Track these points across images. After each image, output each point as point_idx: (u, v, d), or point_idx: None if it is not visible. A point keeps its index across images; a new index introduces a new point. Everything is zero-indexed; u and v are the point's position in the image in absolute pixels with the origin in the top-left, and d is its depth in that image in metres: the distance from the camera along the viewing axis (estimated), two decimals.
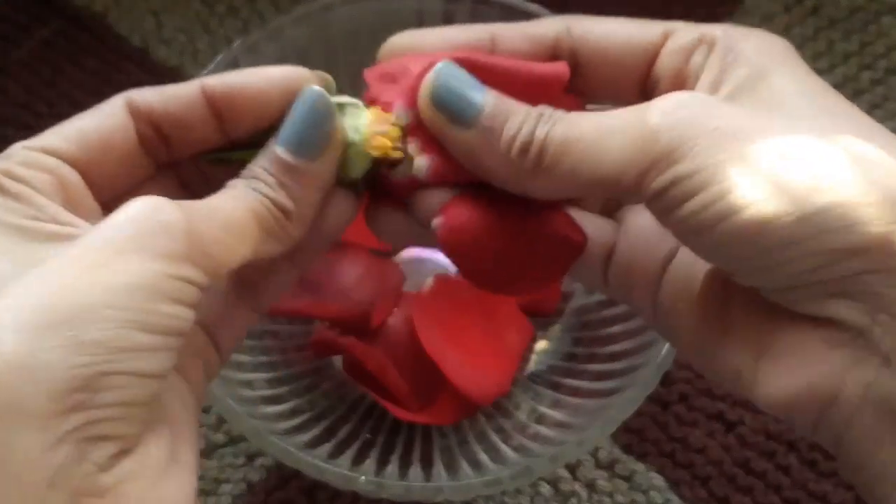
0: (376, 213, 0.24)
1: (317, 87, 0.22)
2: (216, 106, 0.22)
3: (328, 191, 0.23)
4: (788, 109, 0.20)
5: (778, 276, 0.19)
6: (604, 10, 0.58)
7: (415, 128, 0.22)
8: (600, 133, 0.20)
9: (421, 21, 0.40)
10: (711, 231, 0.19)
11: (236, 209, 0.20)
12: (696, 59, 0.22)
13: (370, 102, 0.24)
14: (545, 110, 0.21)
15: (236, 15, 0.51)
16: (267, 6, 0.51)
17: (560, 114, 0.21)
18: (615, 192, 0.20)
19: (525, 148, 0.20)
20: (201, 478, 0.40)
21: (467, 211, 0.23)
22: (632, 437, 0.41)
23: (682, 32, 0.23)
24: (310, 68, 0.40)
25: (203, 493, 0.39)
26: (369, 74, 0.24)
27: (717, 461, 0.41)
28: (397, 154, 0.23)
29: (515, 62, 0.23)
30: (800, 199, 0.18)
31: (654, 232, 0.23)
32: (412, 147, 0.22)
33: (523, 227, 0.23)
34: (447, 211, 0.23)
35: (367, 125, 0.22)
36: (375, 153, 0.22)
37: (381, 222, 0.24)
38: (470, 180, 0.23)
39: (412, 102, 0.22)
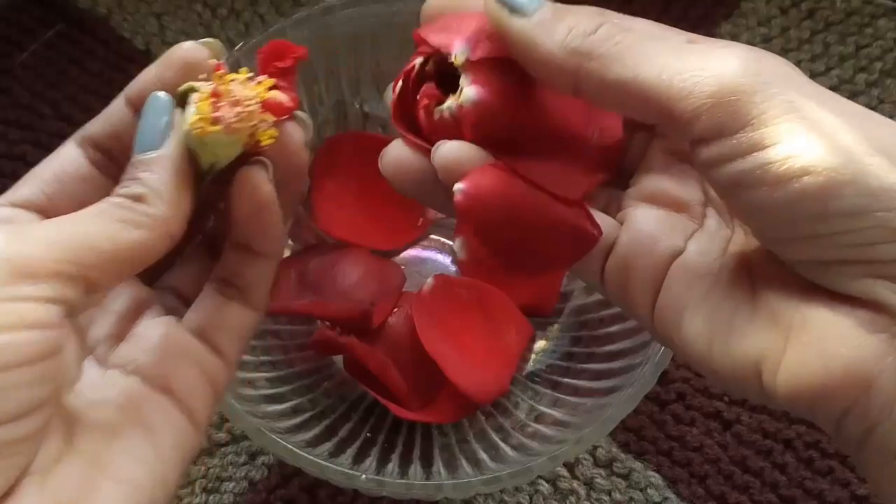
0: (396, 154, 0.24)
1: (155, 93, 0.24)
2: (138, 107, 0.24)
3: (196, 176, 0.23)
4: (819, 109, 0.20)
5: (829, 247, 0.19)
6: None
7: (471, 64, 0.23)
8: (668, 50, 0.20)
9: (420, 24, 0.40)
10: (772, 189, 0.18)
11: (82, 218, 0.21)
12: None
13: (429, 52, 0.24)
14: (609, 15, 0.21)
15: (238, 17, 0.52)
16: (268, 9, 0.52)
17: (627, 21, 0.21)
18: (661, 118, 0.20)
19: (580, 52, 0.20)
20: (204, 476, 0.40)
21: (492, 182, 0.22)
22: (630, 435, 0.41)
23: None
24: (311, 70, 0.41)
25: (205, 490, 0.40)
26: (422, 32, 0.24)
27: (714, 459, 0.41)
28: (259, 139, 0.23)
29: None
30: (875, 173, 0.18)
31: (657, 230, 0.23)
32: (464, 79, 0.23)
33: (543, 211, 0.23)
34: (472, 176, 0.22)
35: (193, 113, 0.23)
36: (201, 138, 0.23)
37: (396, 164, 0.24)
38: (511, 121, 0.23)
39: (472, 40, 0.22)
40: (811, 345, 0.19)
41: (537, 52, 0.21)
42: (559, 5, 0.21)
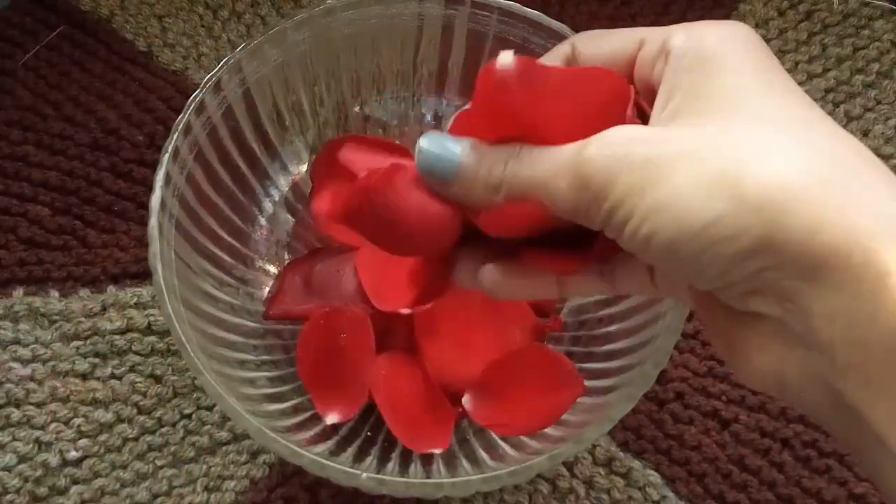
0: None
1: None
2: None
3: None
4: (731, 108, 0.22)
5: (703, 282, 0.21)
6: (600, 14, 0.59)
7: None
8: (548, 175, 0.23)
9: (421, 25, 0.41)
10: (644, 253, 0.22)
11: None
12: (658, 68, 0.24)
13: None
14: (511, 150, 0.23)
15: (239, 19, 0.52)
16: (269, 11, 0.52)
17: (525, 153, 0.23)
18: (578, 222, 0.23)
19: (495, 188, 0.23)
20: (206, 474, 0.40)
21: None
22: (629, 434, 0.42)
23: (650, 40, 0.24)
24: (312, 71, 0.41)
25: (207, 489, 0.40)
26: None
27: (712, 458, 0.41)
28: None
29: (575, 75, 0.24)
30: (690, 218, 0.20)
31: None
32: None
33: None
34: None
35: None
36: None
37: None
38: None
39: None
40: (739, 355, 0.22)
41: (473, 209, 0.25)
42: (471, 153, 0.24)
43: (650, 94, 0.24)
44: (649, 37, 0.24)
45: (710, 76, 0.22)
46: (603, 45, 0.25)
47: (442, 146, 0.24)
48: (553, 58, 0.26)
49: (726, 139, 0.21)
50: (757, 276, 0.20)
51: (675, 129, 0.22)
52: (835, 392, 0.20)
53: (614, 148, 0.21)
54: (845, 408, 0.20)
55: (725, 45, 0.23)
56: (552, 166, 0.22)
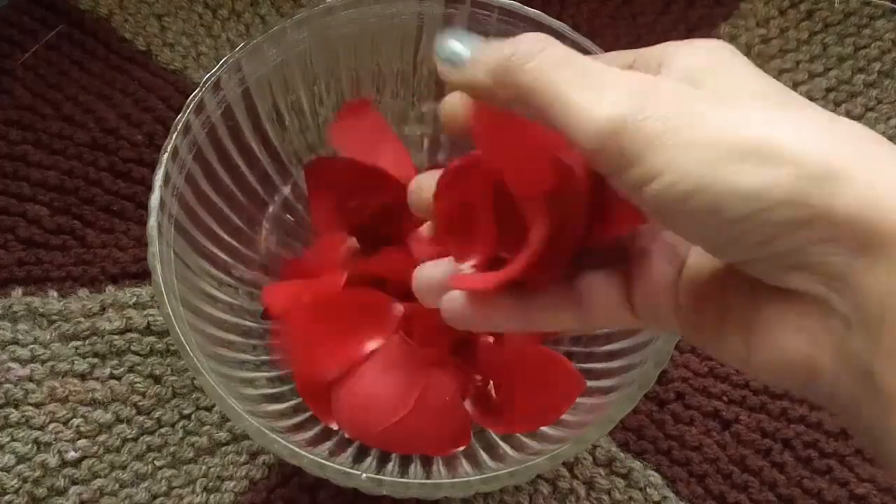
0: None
1: None
2: None
3: None
4: (754, 96, 0.21)
5: (738, 250, 0.20)
6: (601, 13, 0.59)
7: None
8: (575, 77, 0.21)
9: (421, 24, 0.40)
10: (676, 209, 0.20)
11: None
12: None
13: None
14: (536, 39, 0.22)
15: (238, 18, 0.52)
16: (269, 10, 0.52)
17: (548, 47, 0.22)
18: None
19: (506, 67, 0.22)
20: (205, 475, 0.40)
21: None
22: (629, 435, 0.42)
23: (641, 61, 0.24)
24: (312, 71, 0.41)
25: (206, 490, 0.40)
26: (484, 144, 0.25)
27: (713, 459, 0.41)
28: None
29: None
30: (745, 179, 0.19)
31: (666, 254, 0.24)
32: None
33: None
34: None
35: None
36: None
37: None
38: None
39: None
40: (763, 340, 0.21)
41: (476, 87, 0.23)
42: (483, 46, 0.23)
43: None
44: (640, 57, 0.24)
45: (715, 78, 0.22)
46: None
47: (454, 36, 0.23)
48: None
49: (765, 110, 0.20)
50: (805, 248, 0.19)
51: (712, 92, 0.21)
52: (871, 379, 0.19)
53: (651, 96, 0.20)
54: (879, 396, 0.19)
55: (717, 55, 0.22)
56: (584, 87, 0.21)
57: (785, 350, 0.21)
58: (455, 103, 0.25)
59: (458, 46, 0.23)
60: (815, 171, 0.19)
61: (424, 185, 0.27)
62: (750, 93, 0.21)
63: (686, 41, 0.23)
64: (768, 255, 0.20)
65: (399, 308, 0.38)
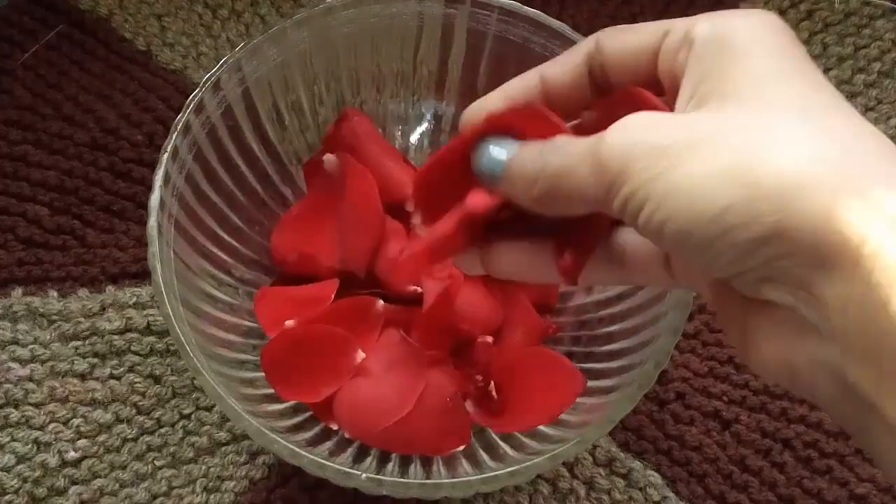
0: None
1: None
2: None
3: None
4: (751, 94, 0.22)
5: (717, 269, 0.21)
6: (601, 13, 0.59)
7: None
8: (572, 163, 0.23)
9: (421, 24, 0.40)
10: (658, 240, 0.22)
11: None
12: (681, 57, 0.23)
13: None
14: (545, 145, 0.24)
15: (238, 18, 0.52)
16: (269, 10, 0.52)
17: (559, 144, 0.23)
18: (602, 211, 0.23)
19: (533, 181, 0.24)
20: (205, 475, 0.40)
21: None
22: (629, 435, 0.42)
23: (675, 30, 0.24)
24: (312, 71, 0.41)
25: (206, 490, 0.40)
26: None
27: (713, 459, 0.41)
28: None
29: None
30: (703, 205, 0.20)
31: None
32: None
33: None
34: None
35: None
36: None
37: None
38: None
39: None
40: (751, 343, 0.22)
41: (518, 202, 0.25)
42: (514, 156, 0.24)
43: (675, 85, 0.24)
44: (673, 27, 0.24)
45: (733, 62, 0.22)
46: (627, 39, 0.25)
47: (491, 152, 0.25)
48: (576, 54, 0.26)
49: (742, 126, 0.21)
50: (770, 263, 0.20)
51: (694, 115, 0.22)
52: (845, 381, 0.20)
53: (632, 134, 0.22)
54: (855, 397, 0.20)
55: (749, 31, 0.23)
56: (577, 152, 0.23)
57: (769, 355, 0.22)
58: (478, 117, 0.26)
59: (494, 162, 0.25)
60: (771, 189, 0.19)
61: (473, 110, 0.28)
62: (760, 85, 0.22)
63: (723, 12, 0.23)
64: (740, 271, 0.21)
65: (381, 304, 0.39)
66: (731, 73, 0.22)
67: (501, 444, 0.37)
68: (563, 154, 0.23)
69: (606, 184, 0.22)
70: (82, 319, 0.43)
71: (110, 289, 0.44)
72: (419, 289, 0.39)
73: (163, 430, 0.41)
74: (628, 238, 0.26)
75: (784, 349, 0.21)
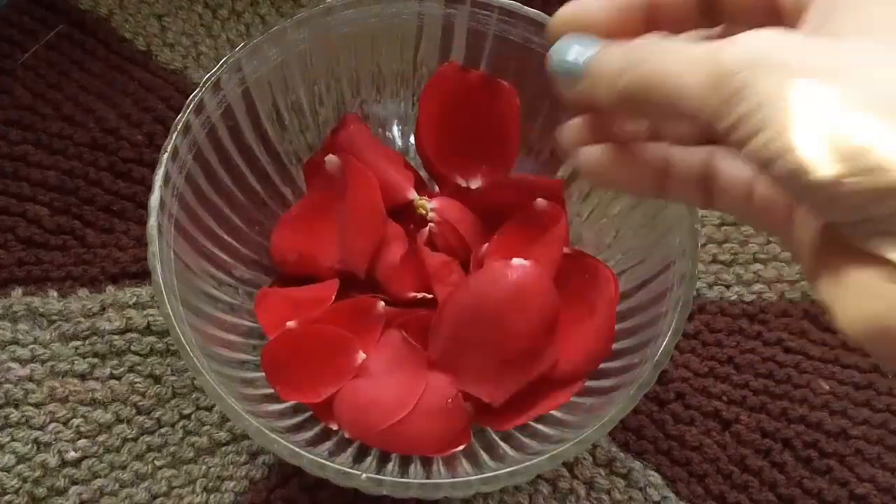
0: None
1: None
2: None
3: None
4: (879, 29, 0.20)
5: (834, 213, 0.20)
6: None
7: None
8: (678, 68, 0.21)
9: (421, 24, 0.40)
10: (770, 168, 0.20)
11: None
12: None
13: None
14: (640, 40, 0.22)
15: (239, 18, 0.52)
16: (269, 10, 0.52)
17: (651, 45, 0.22)
18: (697, 124, 0.22)
19: (617, 75, 0.22)
20: (205, 475, 0.40)
21: None
22: (629, 435, 0.42)
23: None
24: (311, 71, 0.41)
25: (206, 490, 0.40)
26: None
27: (713, 459, 0.41)
28: None
29: None
30: (839, 138, 0.18)
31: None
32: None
33: None
34: None
35: None
36: None
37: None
38: None
39: None
40: (848, 298, 0.21)
41: (596, 103, 0.24)
42: (597, 55, 0.24)
43: (798, 6, 0.22)
44: None
45: (854, 10, 0.21)
46: None
47: (567, 51, 0.24)
48: None
49: (889, 60, 0.19)
50: (891, 217, 0.19)
51: (832, 41, 0.20)
52: None
53: (761, 49, 0.20)
54: None
55: None
56: (690, 55, 0.21)
57: (870, 312, 0.20)
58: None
59: (578, 53, 0.24)
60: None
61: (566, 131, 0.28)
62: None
63: None
64: (860, 219, 0.19)
65: (381, 305, 0.39)
66: (868, 3, 0.20)
67: (501, 444, 0.37)
68: (672, 52, 0.21)
69: (723, 96, 0.20)
70: (82, 319, 0.43)
71: (110, 289, 0.44)
72: (418, 295, 0.39)
73: (163, 430, 0.41)
74: (724, 164, 0.25)
75: (884, 311, 0.20)
